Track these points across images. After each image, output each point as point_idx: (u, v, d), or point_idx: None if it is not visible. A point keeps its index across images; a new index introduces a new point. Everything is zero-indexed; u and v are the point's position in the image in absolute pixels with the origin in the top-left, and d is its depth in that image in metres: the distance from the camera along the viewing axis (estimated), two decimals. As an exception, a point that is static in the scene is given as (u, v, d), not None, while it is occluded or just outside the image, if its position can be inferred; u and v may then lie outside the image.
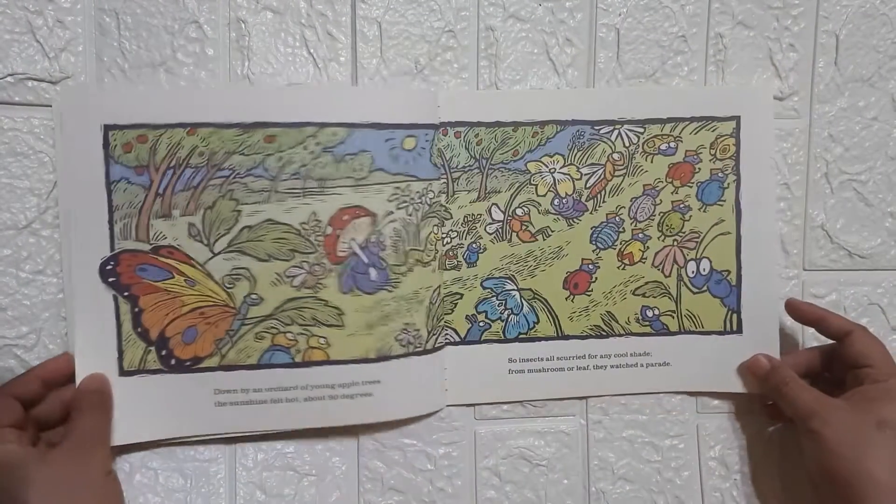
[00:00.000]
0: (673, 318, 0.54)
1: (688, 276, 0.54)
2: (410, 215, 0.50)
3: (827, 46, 0.55)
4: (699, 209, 0.54)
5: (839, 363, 0.51)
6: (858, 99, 0.55)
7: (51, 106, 0.47)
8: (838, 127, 0.55)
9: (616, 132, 0.52)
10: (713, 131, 0.53)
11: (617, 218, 0.53)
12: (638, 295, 0.54)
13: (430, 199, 0.50)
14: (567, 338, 0.53)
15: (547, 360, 0.53)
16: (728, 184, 0.53)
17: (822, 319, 0.52)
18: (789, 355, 0.54)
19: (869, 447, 0.45)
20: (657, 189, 0.53)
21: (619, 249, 0.53)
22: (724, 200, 0.54)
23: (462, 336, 0.53)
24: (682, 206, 0.53)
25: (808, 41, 0.55)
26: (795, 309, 0.53)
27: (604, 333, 0.54)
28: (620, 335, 0.54)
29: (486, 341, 0.53)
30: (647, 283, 0.54)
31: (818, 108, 0.55)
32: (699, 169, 0.53)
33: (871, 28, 0.55)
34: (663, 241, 0.54)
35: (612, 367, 0.54)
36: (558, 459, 0.54)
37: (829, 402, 0.48)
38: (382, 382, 0.50)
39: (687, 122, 0.53)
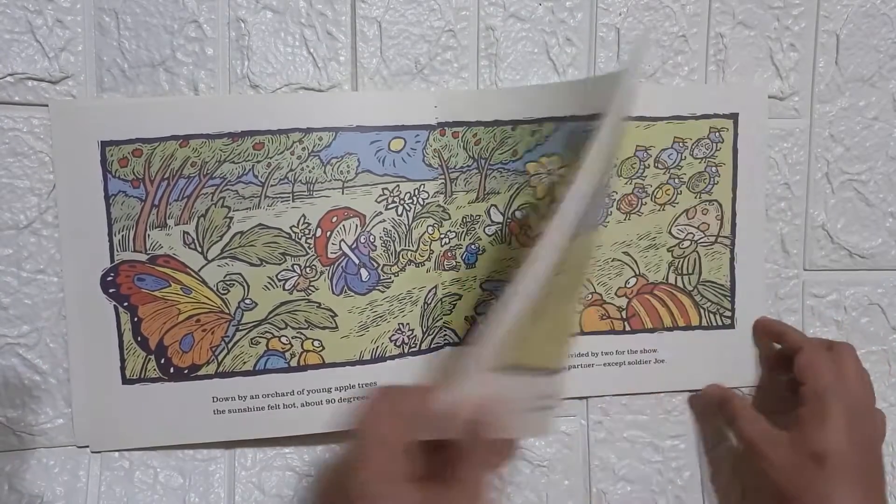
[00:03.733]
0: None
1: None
2: (401, 215, 0.50)
3: (827, 46, 0.55)
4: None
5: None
6: (859, 99, 0.55)
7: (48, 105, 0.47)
8: (839, 127, 0.55)
9: (614, 131, 0.52)
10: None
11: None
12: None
13: (424, 199, 0.50)
14: None
15: None
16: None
17: (781, 335, 0.53)
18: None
19: (808, 486, 0.45)
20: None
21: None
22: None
23: (461, 337, 0.53)
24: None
25: (809, 41, 0.55)
26: (762, 327, 0.54)
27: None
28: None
29: None
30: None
31: (819, 108, 0.55)
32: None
33: (871, 28, 0.55)
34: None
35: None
36: (559, 460, 0.54)
37: (771, 438, 0.48)
38: (379, 385, 0.50)
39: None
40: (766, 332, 0.54)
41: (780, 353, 0.54)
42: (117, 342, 0.48)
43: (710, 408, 0.54)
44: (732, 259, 0.54)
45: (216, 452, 0.50)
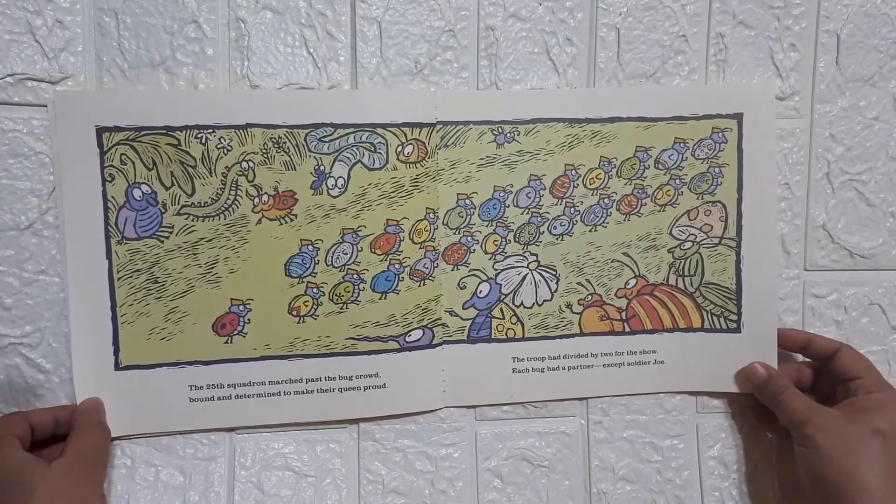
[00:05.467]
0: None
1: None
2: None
3: (828, 46, 0.55)
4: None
5: (827, 379, 0.52)
6: (859, 99, 0.55)
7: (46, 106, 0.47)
8: (839, 127, 0.55)
9: (616, 132, 0.52)
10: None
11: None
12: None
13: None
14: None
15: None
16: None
17: (808, 343, 0.53)
18: (780, 368, 0.54)
19: (861, 453, 0.46)
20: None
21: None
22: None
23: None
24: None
25: (810, 41, 0.55)
26: (782, 338, 0.54)
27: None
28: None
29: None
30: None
31: (819, 108, 0.55)
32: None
33: (872, 27, 0.55)
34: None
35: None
36: (559, 460, 0.54)
37: (823, 410, 0.49)
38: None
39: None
40: (789, 345, 0.54)
41: (810, 357, 0.54)
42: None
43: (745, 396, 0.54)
44: (738, 262, 0.54)
45: (216, 451, 0.50)
